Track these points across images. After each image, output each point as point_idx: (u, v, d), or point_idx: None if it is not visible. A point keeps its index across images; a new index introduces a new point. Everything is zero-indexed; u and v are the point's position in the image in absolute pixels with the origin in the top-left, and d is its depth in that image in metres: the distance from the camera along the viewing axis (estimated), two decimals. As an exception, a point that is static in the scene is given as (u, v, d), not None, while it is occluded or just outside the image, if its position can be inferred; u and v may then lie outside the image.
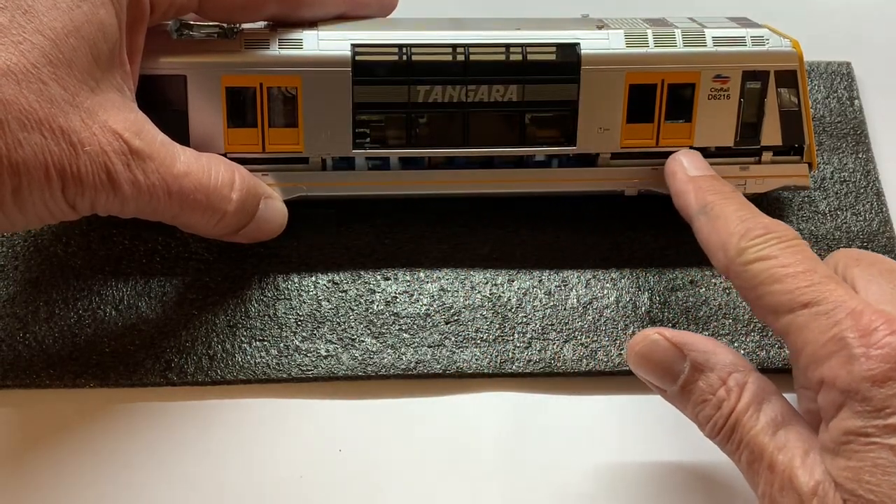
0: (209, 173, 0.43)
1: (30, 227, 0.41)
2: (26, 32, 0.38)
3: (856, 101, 0.56)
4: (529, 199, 0.50)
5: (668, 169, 0.46)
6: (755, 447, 0.37)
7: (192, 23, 0.47)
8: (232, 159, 0.46)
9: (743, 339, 0.48)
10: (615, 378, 0.47)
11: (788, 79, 0.47)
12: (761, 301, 0.38)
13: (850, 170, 0.53)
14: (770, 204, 0.52)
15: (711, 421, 0.38)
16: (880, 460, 0.34)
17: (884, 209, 0.52)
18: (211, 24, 0.47)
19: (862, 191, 0.53)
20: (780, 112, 0.48)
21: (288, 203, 0.47)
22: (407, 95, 0.46)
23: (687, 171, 0.45)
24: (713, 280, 0.49)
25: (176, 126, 0.45)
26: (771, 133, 0.48)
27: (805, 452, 0.36)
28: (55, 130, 0.38)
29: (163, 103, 0.45)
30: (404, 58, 0.46)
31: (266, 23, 0.47)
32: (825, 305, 0.36)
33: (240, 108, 0.46)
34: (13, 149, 0.37)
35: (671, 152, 0.48)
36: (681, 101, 0.47)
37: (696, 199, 0.44)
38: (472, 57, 0.46)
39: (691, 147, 0.48)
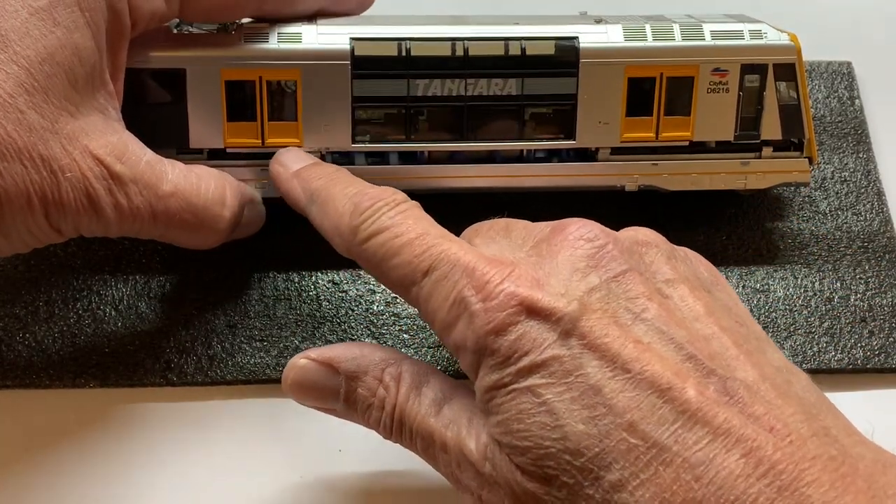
0: (198, 191, 0.43)
1: (17, 252, 0.41)
2: (0, 63, 0.38)
3: (856, 101, 0.56)
4: (530, 196, 0.50)
5: (271, 173, 0.45)
6: (424, 431, 0.37)
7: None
8: (231, 153, 0.46)
9: (743, 339, 0.48)
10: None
11: (787, 72, 0.47)
12: (388, 278, 0.38)
13: (851, 169, 0.53)
14: (771, 204, 0.52)
15: (381, 422, 0.38)
16: (523, 405, 0.33)
17: (884, 209, 0.52)
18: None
19: (863, 190, 0.53)
20: (779, 106, 0.48)
21: None
22: (406, 89, 0.46)
23: (289, 169, 0.44)
24: (713, 280, 0.49)
25: (175, 120, 0.45)
26: (770, 127, 0.48)
27: (469, 421, 0.36)
28: (35, 159, 0.38)
29: (162, 97, 0.45)
30: (403, 51, 0.46)
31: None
32: (443, 268, 0.36)
33: (239, 101, 0.46)
34: None
35: (671, 147, 0.48)
36: (680, 95, 0.47)
37: (304, 191, 0.43)
38: (471, 51, 0.46)
39: (691, 141, 0.48)
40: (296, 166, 0.44)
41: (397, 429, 0.38)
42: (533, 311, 0.34)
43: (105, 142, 0.40)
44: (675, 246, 0.38)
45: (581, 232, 0.36)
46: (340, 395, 0.39)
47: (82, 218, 0.40)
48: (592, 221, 0.37)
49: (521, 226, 0.38)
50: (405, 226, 0.38)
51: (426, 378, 0.38)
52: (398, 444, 0.39)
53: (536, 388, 0.33)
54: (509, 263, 0.35)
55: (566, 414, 0.32)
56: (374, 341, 0.47)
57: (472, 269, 0.35)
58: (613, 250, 0.35)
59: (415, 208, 0.39)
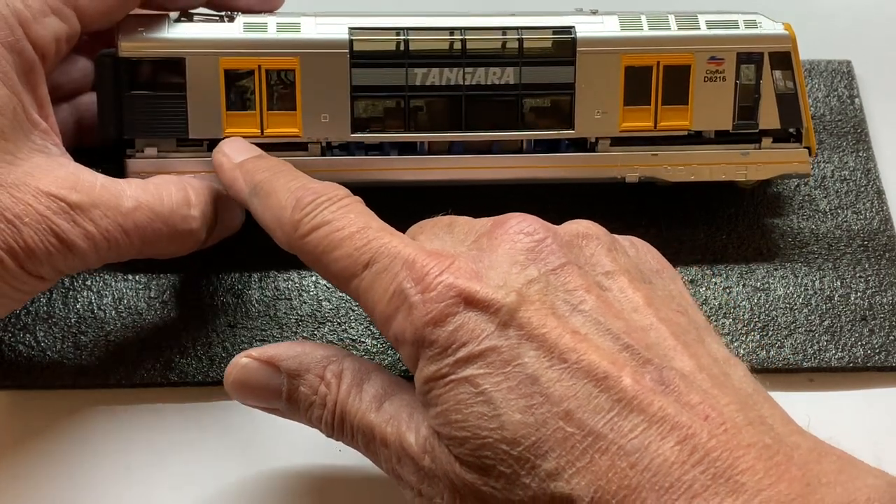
0: (160, 199, 0.43)
1: (12, 310, 0.42)
2: None
3: (856, 100, 0.56)
4: (529, 190, 0.50)
5: (214, 163, 0.44)
6: (365, 427, 0.37)
7: (191, 11, 0.47)
8: None
9: (743, 338, 0.48)
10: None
11: (783, 61, 0.48)
12: (327, 272, 0.38)
13: (851, 168, 0.53)
14: (770, 202, 0.52)
15: (323, 420, 0.38)
16: (461, 395, 0.33)
17: (884, 207, 0.52)
18: (210, 12, 0.47)
19: (862, 189, 0.53)
20: (776, 95, 0.48)
21: None
22: (405, 78, 0.46)
23: (233, 159, 0.44)
24: (713, 279, 0.49)
25: (174, 110, 0.45)
26: (768, 116, 0.48)
27: (409, 416, 0.36)
28: None
29: (161, 87, 0.46)
30: (401, 41, 0.46)
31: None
32: (383, 261, 0.36)
33: (238, 91, 0.46)
34: None
35: (670, 136, 0.48)
36: (677, 84, 0.48)
37: (246, 183, 0.42)
38: (469, 40, 0.46)
39: (690, 131, 0.48)
40: (239, 157, 0.44)
41: (339, 426, 0.38)
42: (471, 303, 0.34)
43: (54, 177, 0.41)
44: (617, 237, 0.39)
45: (521, 226, 0.36)
46: (283, 394, 0.39)
47: (56, 258, 0.40)
48: (533, 216, 0.37)
49: (463, 221, 0.39)
50: (346, 220, 0.38)
51: (368, 375, 0.38)
52: (343, 444, 0.39)
53: (474, 378, 0.33)
54: (449, 256, 0.36)
55: (503, 404, 0.33)
56: (374, 342, 0.47)
57: (412, 261, 0.35)
58: (552, 244, 0.36)
59: (357, 203, 0.39)
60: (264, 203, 0.41)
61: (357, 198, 0.40)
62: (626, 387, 0.32)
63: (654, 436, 0.31)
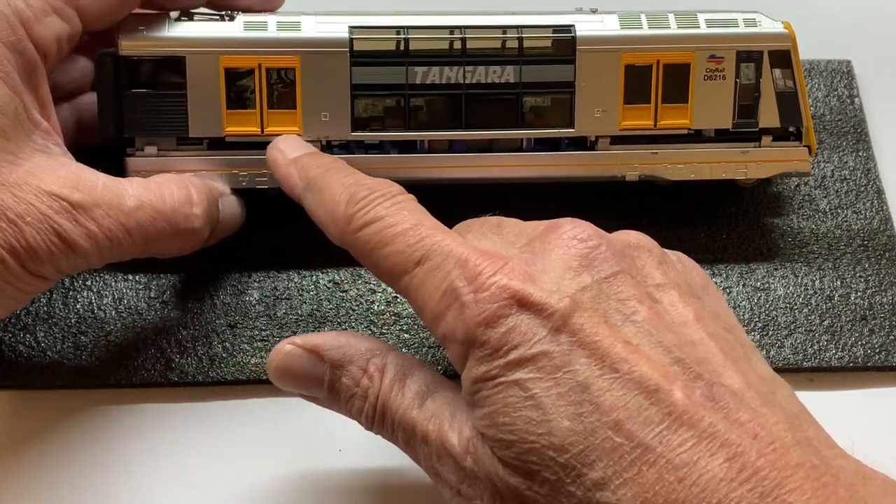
0: (162, 197, 0.43)
1: (13, 310, 0.42)
2: None
3: (856, 100, 0.56)
4: (529, 190, 0.50)
5: (269, 159, 0.45)
6: (406, 423, 0.37)
7: (191, 11, 0.47)
8: (231, 142, 0.46)
9: (743, 337, 0.48)
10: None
11: (782, 59, 0.48)
12: (379, 267, 0.38)
13: (851, 168, 0.53)
14: (770, 202, 0.52)
15: (364, 412, 0.38)
16: (510, 398, 0.33)
17: (884, 207, 0.52)
18: (210, 11, 0.47)
19: (862, 189, 0.53)
20: (776, 93, 0.48)
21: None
22: (405, 76, 0.46)
23: (287, 155, 0.44)
24: (713, 279, 0.49)
25: (175, 109, 0.45)
26: (768, 115, 0.48)
27: (452, 415, 0.36)
28: None
29: (161, 86, 0.46)
30: (402, 39, 0.46)
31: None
32: (436, 259, 0.36)
33: (239, 89, 0.46)
34: None
35: (670, 135, 0.48)
36: (677, 83, 0.48)
37: (300, 178, 0.42)
38: (469, 39, 0.46)
39: (690, 129, 0.48)
40: (294, 154, 0.44)
41: (379, 420, 0.38)
42: (524, 305, 0.34)
43: (55, 177, 0.41)
44: (666, 250, 0.38)
45: (574, 232, 0.36)
46: (324, 384, 0.39)
47: (59, 257, 0.40)
48: (586, 222, 0.37)
49: (512, 223, 0.39)
50: (399, 216, 0.38)
51: (411, 370, 0.38)
52: (380, 436, 0.38)
53: (524, 381, 0.33)
54: (502, 257, 0.35)
55: (552, 409, 0.33)
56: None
57: (465, 260, 0.35)
58: (606, 251, 0.36)
59: (410, 200, 0.39)
60: (318, 198, 0.41)
61: (410, 195, 0.39)
62: (676, 400, 0.32)
63: (703, 451, 0.31)
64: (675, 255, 0.39)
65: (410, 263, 0.36)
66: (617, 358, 0.33)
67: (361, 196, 0.39)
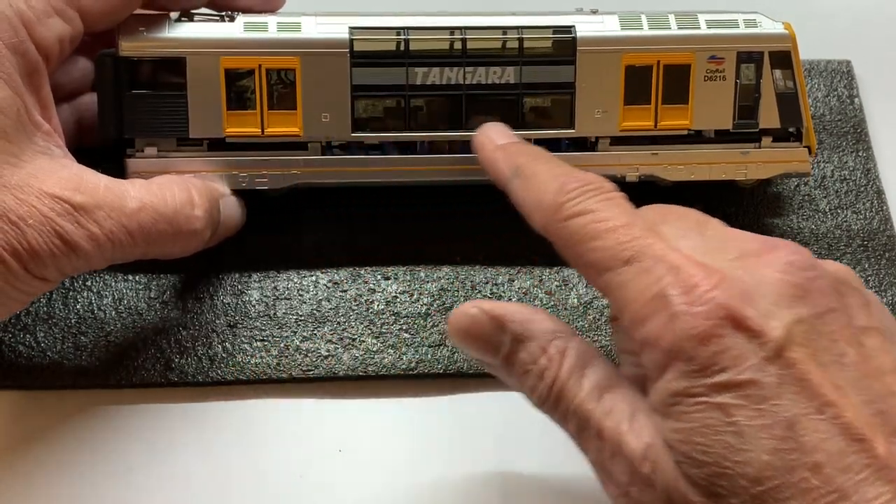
0: (164, 199, 0.43)
1: (14, 312, 0.42)
2: None
3: (856, 100, 0.56)
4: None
5: (475, 143, 0.45)
6: (582, 414, 0.36)
7: (192, 12, 0.47)
8: (231, 143, 0.46)
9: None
10: (615, 377, 0.47)
11: (783, 60, 0.48)
12: (582, 259, 0.37)
13: (851, 168, 0.53)
14: (770, 202, 0.52)
15: (537, 391, 0.37)
16: (710, 420, 0.33)
17: (884, 207, 0.52)
18: (210, 11, 0.47)
19: (862, 189, 0.53)
20: (776, 94, 0.48)
21: (288, 193, 0.48)
22: (405, 77, 0.46)
23: (495, 142, 0.44)
24: (713, 279, 0.49)
25: (175, 109, 0.45)
26: (768, 115, 0.48)
27: (632, 416, 0.35)
28: None
29: (162, 86, 0.46)
30: (402, 40, 0.46)
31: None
32: (646, 262, 0.35)
33: (239, 90, 0.46)
34: None
35: (671, 136, 0.48)
36: (677, 84, 0.48)
37: (507, 164, 0.42)
38: (469, 39, 0.47)
39: (690, 130, 0.48)
40: (501, 141, 0.44)
41: (553, 403, 0.37)
42: (739, 327, 0.33)
43: (57, 179, 0.41)
44: (867, 290, 0.37)
45: (794, 258, 0.35)
46: (501, 353, 0.38)
47: (61, 259, 0.40)
48: (804, 248, 0.36)
49: (716, 226, 0.38)
50: (611, 212, 0.37)
51: (591, 361, 0.37)
52: (547, 416, 0.38)
53: (728, 406, 0.32)
54: (717, 271, 0.34)
55: (753, 440, 0.32)
56: (374, 341, 0.47)
57: (679, 268, 0.34)
58: (823, 285, 0.34)
59: (622, 199, 0.38)
60: (525, 184, 0.41)
61: (622, 193, 0.39)
62: (879, 453, 0.31)
63: None
64: (873, 297, 0.38)
65: (618, 261, 0.36)
66: (825, 400, 0.32)
67: (573, 187, 0.38)
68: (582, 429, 0.36)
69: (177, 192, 0.43)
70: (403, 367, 0.46)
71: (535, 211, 0.39)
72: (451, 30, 0.47)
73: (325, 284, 0.48)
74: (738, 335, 0.33)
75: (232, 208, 0.46)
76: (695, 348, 0.33)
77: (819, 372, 0.33)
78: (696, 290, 0.33)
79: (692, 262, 0.34)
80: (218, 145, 0.47)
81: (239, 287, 0.48)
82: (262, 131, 0.46)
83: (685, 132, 0.48)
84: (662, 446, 0.34)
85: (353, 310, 0.48)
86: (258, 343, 0.47)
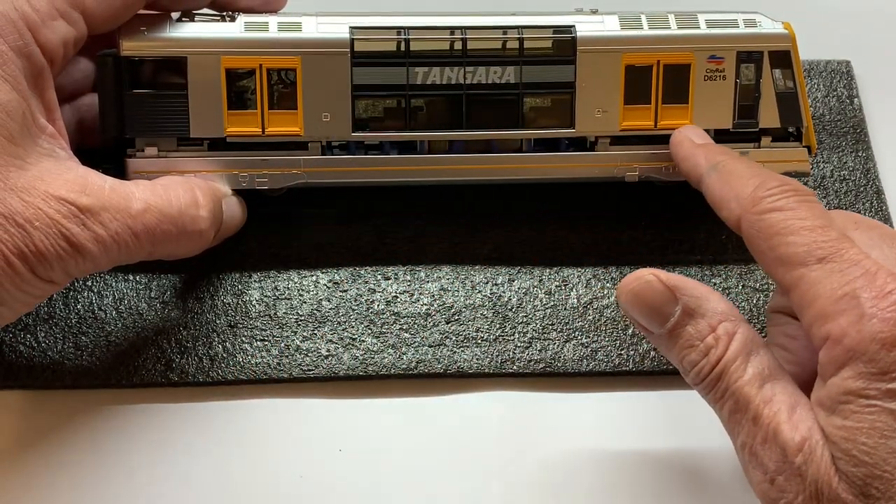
0: (169, 200, 0.43)
1: (20, 314, 0.42)
2: None
3: (855, 100, 0.56)
4: (530, 191, 0.50)
5: (674, 140, 0.47)
6: (741, 398, 0.37)
7: (193, 12, 0.47)
8: (232, 142, 0.46)
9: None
10: (615, 378, 0.47)
11: (782, 59, 0.48)
12: (775, 251, 0.38)
13: (850, 168, 0.53)
14: (770, 203, 0.52)
15: (697, 367, 0.38)
16: (879, 423, 0.34)
17: (884, 207, 0.52)
18: (211, 12, 0.47)
19: (862, 189, 0.53)
20: (776, 94, 0.48)
21: (287, 192, 0.48)
22: (405, 77, 0.46)
23: (693, 140, 0.46)
24: (713, 280, 0.49)
25: (176, 109, 0.45)
26: (768, 115, 0.48)
27: (792, 407, 0.36)
28: None
29: (163, 86, 0.46)
30: (402, 40, 0.46)
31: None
32: (840, 263, 0.36)
33: (239, 90, 0.46)
34: None
35: (670, 135, 0.48)
36: (677, 83, 0.48)
37: (707, 159, 0.44)
38: (470, 39, 0.47)
39: None
40: (700, 141, 0.46)
41: (711, 381, 0.38)
42: None
43: (63, 181, 0.41)
44: None
45: None
46: (668, 324, 0.39)
47: (67, 261, 0.40)
48: None
49: None
50: (810, 213, 0.38)
51: (757, 348, 0.38)
52: (698, 392, 0.39)
53: None
54: None
55: None
56: (374, 340, 0.47)
57: (873, 274, 0.36)
58: None
59: (820, 205, 0.39)
60: (724, 177, 0.42)
61: (818, 198, 0.40)
62: None
63: None
64: None
65: (812, 258, 0.37)
66: None
67: (774, 185, 0.39)
68: (736, 411, 0.37)
69: (181, 192, 0.43)
70: (403, 367, 0.46)
71: (731, 201, 0.41)
72: (452, 30, 0.47)
73: (325, 284, 0.49)
74: None
75: (233, 208, 0.46)
76: (878, 352, 0.34)
77: None
78: (889, 296, 0.35)
79: (886, 270, 0.36)
80: (218, 145, 0.47)
81: (239, 287, 0.48)
82: (263, 131, 0.47)
83: None
84: (819, 441, 0.35)
85: (354, 310, 0.48)
86: (258, 343, 0.47)
